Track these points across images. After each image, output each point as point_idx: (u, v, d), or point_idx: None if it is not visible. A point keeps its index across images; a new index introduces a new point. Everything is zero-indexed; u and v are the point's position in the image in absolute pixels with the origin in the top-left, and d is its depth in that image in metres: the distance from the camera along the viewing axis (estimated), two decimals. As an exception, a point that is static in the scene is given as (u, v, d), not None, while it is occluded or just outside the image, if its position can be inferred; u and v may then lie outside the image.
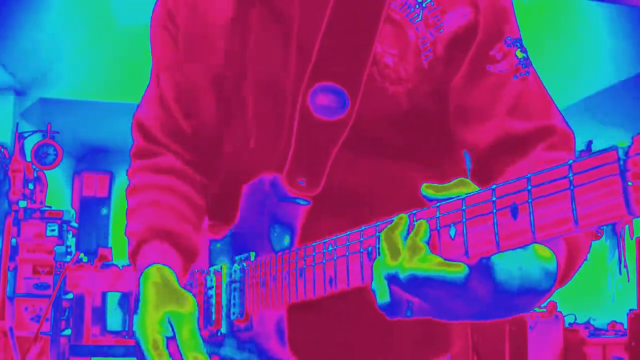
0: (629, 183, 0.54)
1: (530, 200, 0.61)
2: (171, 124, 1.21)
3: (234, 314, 1.02)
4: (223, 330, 1.05)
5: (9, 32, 5.84)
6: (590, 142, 7.83)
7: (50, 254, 6.22)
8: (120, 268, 5.86)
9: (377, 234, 0.75)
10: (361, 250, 0.78)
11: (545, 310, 6.72)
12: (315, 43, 1.01)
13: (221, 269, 1.07)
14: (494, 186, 0.64)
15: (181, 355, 0.97)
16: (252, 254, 1.02)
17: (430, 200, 0.73)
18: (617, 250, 7.74)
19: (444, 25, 0.99)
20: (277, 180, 1.02)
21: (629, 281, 7.68)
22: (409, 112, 1.01)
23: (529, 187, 0.61)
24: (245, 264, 1.02)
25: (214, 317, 1.06)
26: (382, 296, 0.71)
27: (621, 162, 0.55)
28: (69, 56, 6.90)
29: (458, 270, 0.67)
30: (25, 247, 6.58)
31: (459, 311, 0.72)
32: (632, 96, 6.39)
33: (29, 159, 7.09)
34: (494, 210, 0.64)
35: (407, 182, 1.05)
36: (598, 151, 0.57)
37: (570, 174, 0.58)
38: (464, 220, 0.66)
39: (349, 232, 0.80)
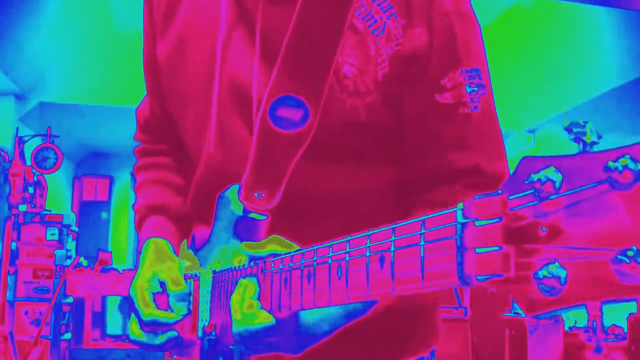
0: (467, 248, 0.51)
1: (392, 250, 0.60)
2: (152, 119, 1.33)
3: (201, 320, 1.05)
4: (199, 335, 1.07)
5: (10, 37, 5.85)
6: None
7: (50, 257, 6.22)
8: (120, 272, 5.85)
9: (346, 250, 0.74)
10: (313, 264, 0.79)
11: (545, 314, 6.71)
12: (278, 50, 1.00)
13: (199, 274, 1.09)
14: (369, 232, 0.65)
15: (168, 306, 1.05)
16: (220, 264, 1.04)
17: (248, 254, 0.87)
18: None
19: (403, 42, 0.98)
20: (237, 193, 1.03)
21: (629, 285, 7.65)
22: (367, 123, 1.01)
23: (393, 238, 0.60)
24: (212, 274, 1.04)
25: (191, 322, 1.09)
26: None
27: (458, 227, 0.52)
28: (69, 61, 6.91)
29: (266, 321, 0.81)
30: (25, 251, 6.58)
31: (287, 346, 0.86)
32: (635, 99, 6.39)
33: (29, 163, 7.10)
34: (367, 255, 0.64)
35: (369, 185, 1.07)
36: (444, 211, 0.55)
37: (423, 230, 0.56)
38: (347, 259, 0.67)
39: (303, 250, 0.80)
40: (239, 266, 0.93)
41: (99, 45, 6.96)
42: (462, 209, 0.52)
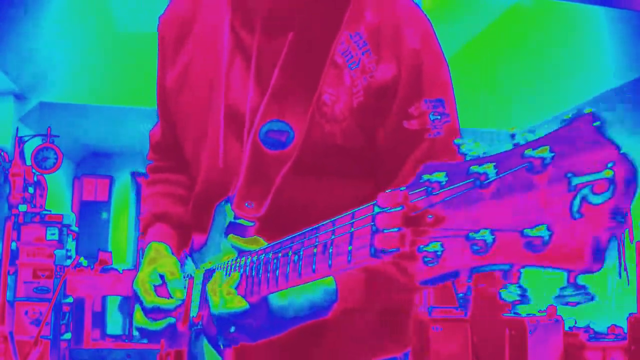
0: (374, 229, 0.68)
1: (332, 238, 0.78)
2: (161, 140, 1.47)
3: (192, 313, 1.17)
4: (189, 327, 1.19)
5: (10, 37, 5.85)
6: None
7: (50, 257, 6.23)
8: (120, 272, 5.86)
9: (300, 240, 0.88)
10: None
11: (545, 314, 6.72)
12: (270, 79, 1.14)
13: (194, 273, 1.21)
14: (317, 225, 0.82)
15: (168, 295, 1.19)
16: (212, 263, 1.16)
17: (231, 244, 1.02)
18: (617, 254, 7.74)
19: (375, 75, 1.11)
20: (230, 202, 1.19)
21: (628, 285, 7.66)
22: (344, 146, 1.13)
23: (334, 228, 0.78)
24: (203, 271, 1.18)
25: (183, 316, 1.21)
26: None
27: (374, 215, 0.69)
28: (69, 60, 6.91)
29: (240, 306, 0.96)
30: (25, 251, 6.58)
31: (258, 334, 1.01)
32: (635, 99, 6.39)
33: (29, 162, 7.10)
34: (316, 244, 0.82)
35: (351, 200, 1.17)
36: (367, 204, 0.72)
37: (352, 220, 0.74)
38: (301, 249, 0.85)
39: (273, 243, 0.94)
40: (225, 262, 1.07)
41: (99, 45, 6.96)
42: (377, 202, 0.68)
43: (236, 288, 0.98)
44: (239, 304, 0.96)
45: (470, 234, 0.56)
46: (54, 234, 6.64)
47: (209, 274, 1.13)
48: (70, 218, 6.93)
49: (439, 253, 0.59)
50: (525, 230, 0.52)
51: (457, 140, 0.60)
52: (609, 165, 0.49)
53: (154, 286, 1.20)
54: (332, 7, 1.14)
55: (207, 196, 1.24)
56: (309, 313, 1.03)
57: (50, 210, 6.98)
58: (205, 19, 1.27)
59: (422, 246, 0.61)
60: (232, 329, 0.99)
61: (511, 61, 7.26)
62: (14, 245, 6.44)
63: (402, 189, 0.65)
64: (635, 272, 7.00)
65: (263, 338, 1.02)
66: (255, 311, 0.97)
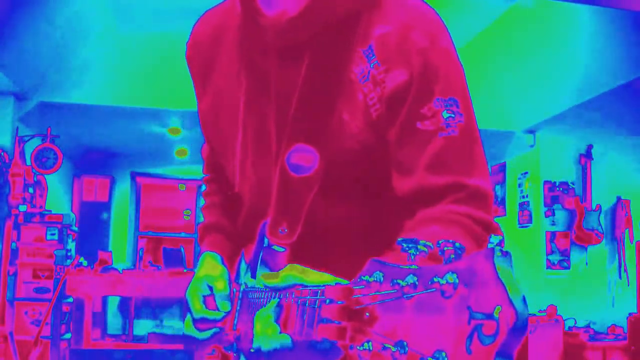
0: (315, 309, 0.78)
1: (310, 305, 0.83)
2: (210, 155, 1.53)
3: (235, 324, 1.24)
4: (232, 338, 1.25)
5: (9, 37, 5.85)
6: (590, 147, 7.84)
7: (50, 257, 6.23)
8: (120, 272, 5.85)
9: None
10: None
11: (545, 314, 6.72)
12: (290, 105, 1.15)
13: (241, 285, 1.27)
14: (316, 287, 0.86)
15: (215, 306, 1.25)
16: (251, 281, 1.23)
17: (267, 285, 0.98)
18: (617, 255, 7.74)
19: (387, 84, 1.11)
20: (264, 228, 1.21)
21: (628, 285, 7.67)
22: (363, 159, 1.14)
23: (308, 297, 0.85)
24: (243, 287, 1.25)
25: (229, 325, 1.27)
26: None
27: (322, 302, 0.74)
28: (69, 60, 6.91)
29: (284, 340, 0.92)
30: (25, 251, 6.58)
31: None
32: (634, 99, 6.39)
33: (29, 163, 7.09)
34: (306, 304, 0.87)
35: (379, 220, 1.20)
36: (317, 289, 0.81)
37: (318, 302, 0.80)
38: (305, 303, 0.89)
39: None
40: (260, 290, 1.10)
41: (99, 45, 6.96)
42: (324, 290, 0.73)
43: (278, 322, 0.94)
44: (281, 341, 0.92)
45: (388, 345, 0.60)
46: (54, 234, 6.65)
47: (247, 293, 1.20)
48: (70, 218, 6.93)
49: (369, 353, 0.64)
50: (428, 357, 0.54)
51: (400, 239, 0.63)
52: (496, 308, 0.48)
53: (203, 297, 1.26)
54: (344, 28, 1.15)
55: (248, 217, 1.29)
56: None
57: (50, 210, 6.98)
58: (226, 46, 1.29)
59: (357, 345, 0.65)
60: None
61: (511, 61, 7.26)
62: (13, 245, 6.44)
63: (347, 282, 0.71)
64: (635, 272, 7.00)
65: None
66: (297, 347, 0.92)
